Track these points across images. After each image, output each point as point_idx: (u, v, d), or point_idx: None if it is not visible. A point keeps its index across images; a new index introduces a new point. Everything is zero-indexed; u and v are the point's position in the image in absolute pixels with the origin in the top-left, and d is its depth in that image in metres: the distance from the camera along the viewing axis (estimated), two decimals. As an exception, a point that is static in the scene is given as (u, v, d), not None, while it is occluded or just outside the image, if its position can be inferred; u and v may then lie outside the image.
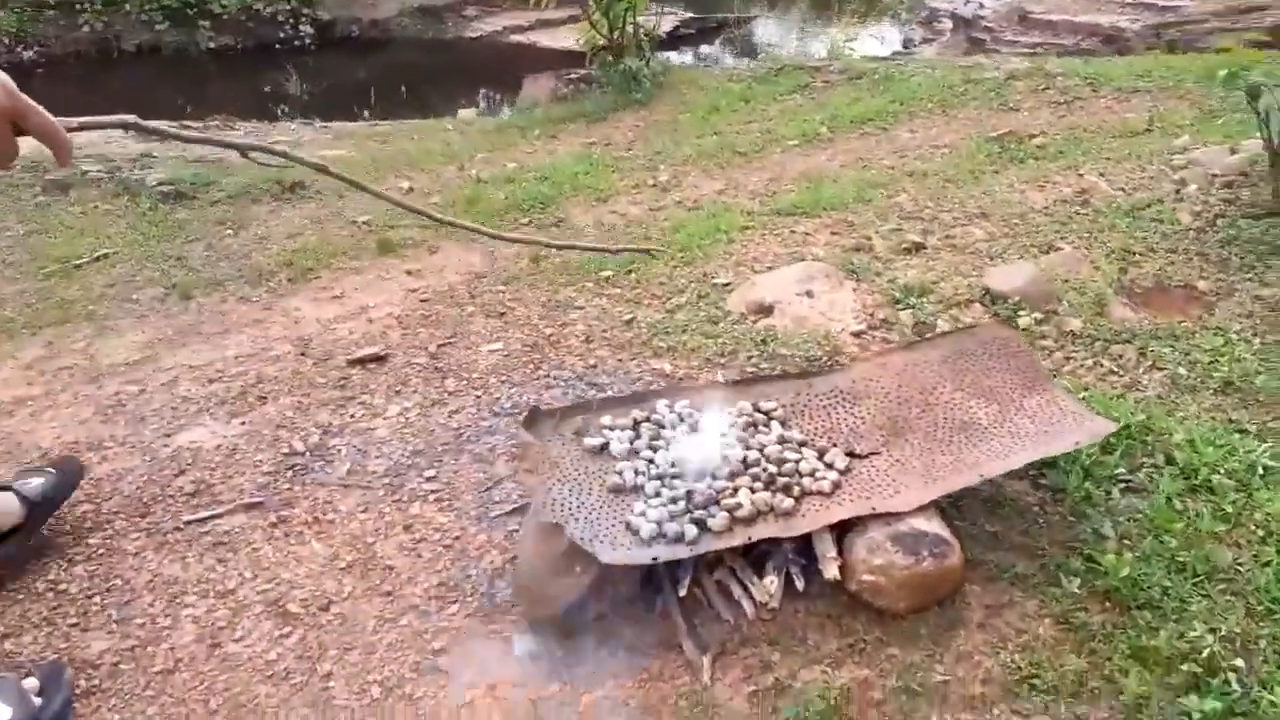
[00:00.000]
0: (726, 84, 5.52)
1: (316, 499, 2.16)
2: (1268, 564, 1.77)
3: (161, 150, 4.58)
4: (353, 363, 2.69)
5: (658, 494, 1.83)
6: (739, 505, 1.76)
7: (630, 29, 5.57)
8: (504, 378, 2.58)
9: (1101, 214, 3.19)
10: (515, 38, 12.31)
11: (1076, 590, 1.72)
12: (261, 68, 10.00)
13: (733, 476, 1.83)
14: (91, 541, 2.06)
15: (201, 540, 2.05)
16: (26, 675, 1.63)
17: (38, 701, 1.57)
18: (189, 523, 2.10)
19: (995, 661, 1.64)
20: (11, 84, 1.12)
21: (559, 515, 1.76)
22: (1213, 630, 1.63)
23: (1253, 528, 1.86)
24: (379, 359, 2.71)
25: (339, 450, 2.33)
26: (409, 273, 3.28)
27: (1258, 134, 3.57)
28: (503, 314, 2.93)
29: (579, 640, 1.73)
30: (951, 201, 3.51)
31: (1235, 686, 1.54)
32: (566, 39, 11.84)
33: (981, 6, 10.55)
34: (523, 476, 2.11)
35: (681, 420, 1.99)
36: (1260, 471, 1.98)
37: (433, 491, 2.16)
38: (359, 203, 3.87)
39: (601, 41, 5.66)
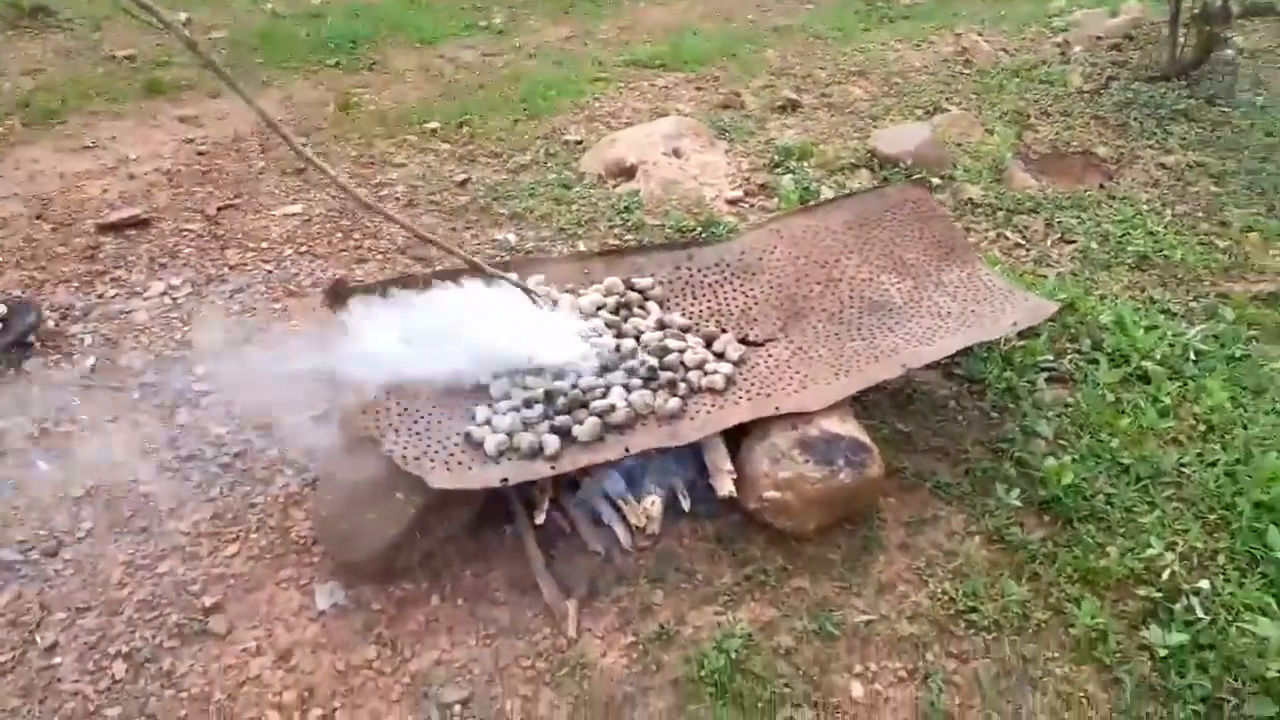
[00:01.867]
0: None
1: (47, 403, 1.63)
2: (1213, 464, 1.53)
3: None
4: (105, 228, 2.11)
5: (507, 395, 1.41)
6: (612, 408, 1.36)
7: None
8: (303, 248, 2.07)
9: (987, 74, 2.91)
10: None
11: (1013, 502, 1.43)
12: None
13: (603, 372, 1.42)
14: None
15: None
16: None
17: None
18: None
19: (924, 593, 1.34)
20: None
21: (375, 425, 1.32)
22: (1170, 547, 1.38)
23: (1193, 421, 1.62)
24: (140, 224, 2.14)
25: (81, 340, 1.78)
26: (183, 120, 2.65)
27: (1135, -2, 3.37)
28: (302, 170, 2.39)
29: (403, 587, 1.32)
30: (824, 59, 3.14)
31: (1201, 614, 1.29)
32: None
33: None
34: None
35: (535, 300, 1.56)
36: (1193, 357, 1.74)
37: (205, 393, 1.66)
38: (121, 34, 3.14)
39: None
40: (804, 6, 3.71)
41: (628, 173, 2.30)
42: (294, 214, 2.19)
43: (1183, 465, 1.53)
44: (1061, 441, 1.56)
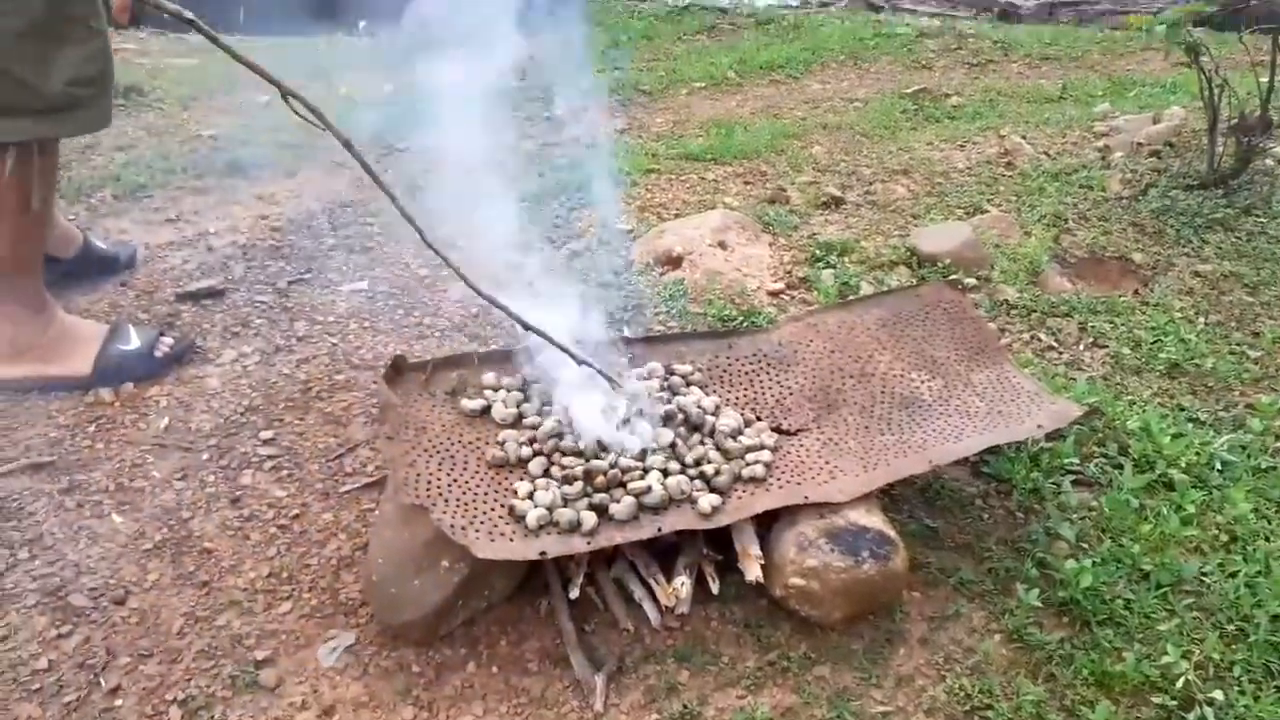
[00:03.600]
0: (628, 20, 5.13)
1: (123, 460, 1.75)
2: (1234, 574, 1.56)
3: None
4: (184, 297, 2.26)
5: (547, 472, 1.50)
6: (648, 489, 1.44)
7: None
8: (366, 323, 2.20)
9: (1028, 177, 2.99)
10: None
11: (1033, 601, 1.48)
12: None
13: (643, 454, 1.51)
14: None
15: (-31, 510, 1.62)
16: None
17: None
18: (-49, 485, 1.66)
19: (941, 688, 1.38)
20: None
21: (425, 495, 1.41)
22: (1186, 656, 1.41)
23: (1216, 531, 1.66)
24: (215, 294, 2.28)
25: (157, 401, 1.90)
26: (260, 197, 2.82)
27: (1176, 106, 3.46)
28: (369, 249, 2.53)
29: (442, 652, 1.40)
30: (869, 156, 3.25)
31: (1214, 718, 1.32)
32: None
33: (882, -31, 10.42)
34: (382, 444, 1.73)
35: (580, 383, 1.65)
36: (1219, 466, 1.78)
37: (269, 457, 1.77)
38: (206, 114, 3.36)
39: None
40: (852, 105, 3.84)
41: (675, 262, 2.41)
42: (359, 290, 2.32)
43: (1203, 574, 1.56)
44: (1083, 544, 1.61)
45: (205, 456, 1.77)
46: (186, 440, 1.81)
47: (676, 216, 2.70)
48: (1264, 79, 2.71)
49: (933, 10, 9.27)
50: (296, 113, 1.45)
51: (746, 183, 3.00)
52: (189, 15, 1.39)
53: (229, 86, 3.68)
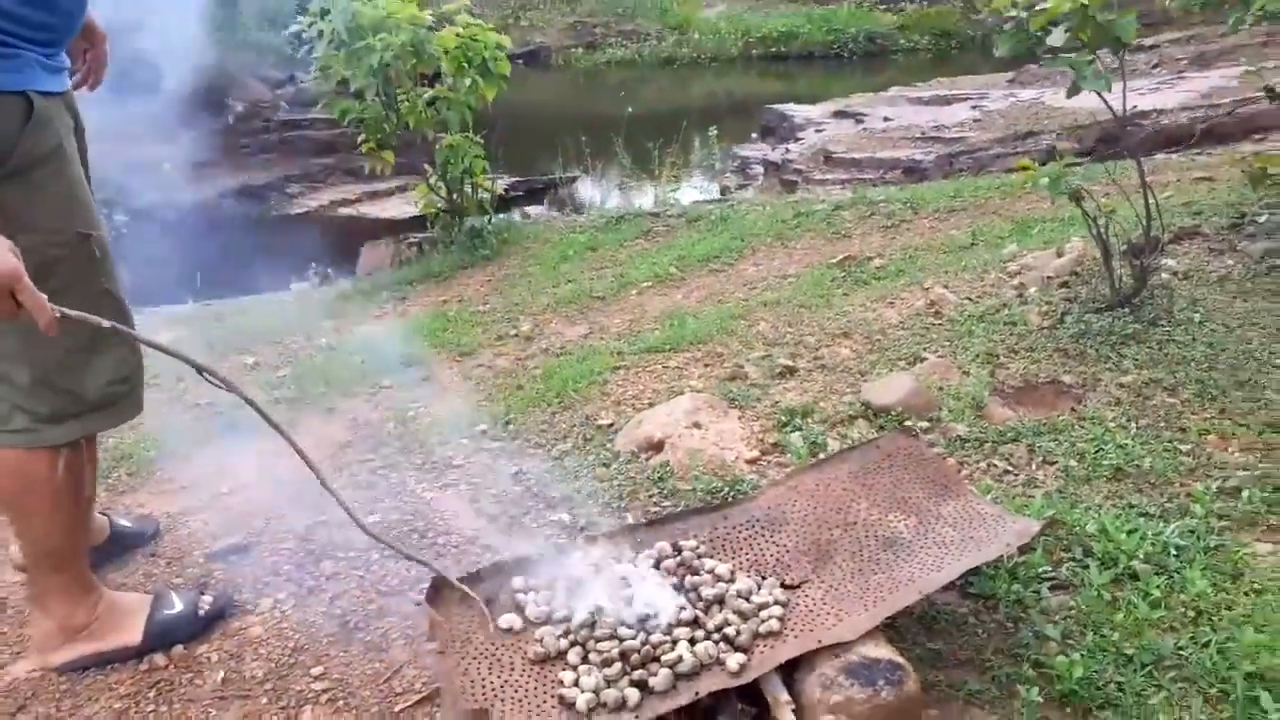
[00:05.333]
0: (570, 235, 5.57)
1: (188, 718, 1.87)
2: (1206, 645, 1.75)
3: None
4: (212, 557, 2.42)
5: (585, 659, 1.66)
6: (680, 659, 1.61)
7: (469, 190, 5.58)
8: (387, 552, 2.36)
9: (956, 322, 3.31)
10: (343, 211, 12.24)
11: (1034, 696, 1.64)
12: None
13: (669, 628, 1.68)
14: (-95, 813, 1.69)
15: (50, 789, 1.72)
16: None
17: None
18: (32, 770, 1.76)
19: (973, 792, 1.53)
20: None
21: (482, 698, 1.56)
22: (1175, 718, 1.58)
23: (1182, 609, 1.85)
24: (241, 549, 2.45)
25: (208, 658, 2.04)
26: (263, 453, 3.02)
27: (1075, 238, 3.85)
28: (374, 483, 2.73)
29: (519, 842, 1.52)
30: (810, 325, 3.57)
31: (1215, 779, 1.48)
32: (394, 209, 11.88)
33: (788, 151, 11.27)
34: (435, 659, 1.88)
35: (599, 572, 1.84)
36: (1174, 552, 1.99)
37: (324, 691, 1.91)
38: (202, 389, 3.60)
39: (441, 204, 5.64)
40: (786, 281, 4.20)
41: (656, 447, 2.64)
42: (373, 522, 2.51)
43: (1179, 649, 1.75)
44: (1070, 641, 1.79)
45: (264, 700, 1.90)
46: (244, 689, 1.94)
47: (649, 405, 2.95)
48: (1142, 202, 3.08)
49: (841, 178, 10.03)
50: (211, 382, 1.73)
51: (706, 365, 3.29)
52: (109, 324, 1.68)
53: (215, 353, 3.96)
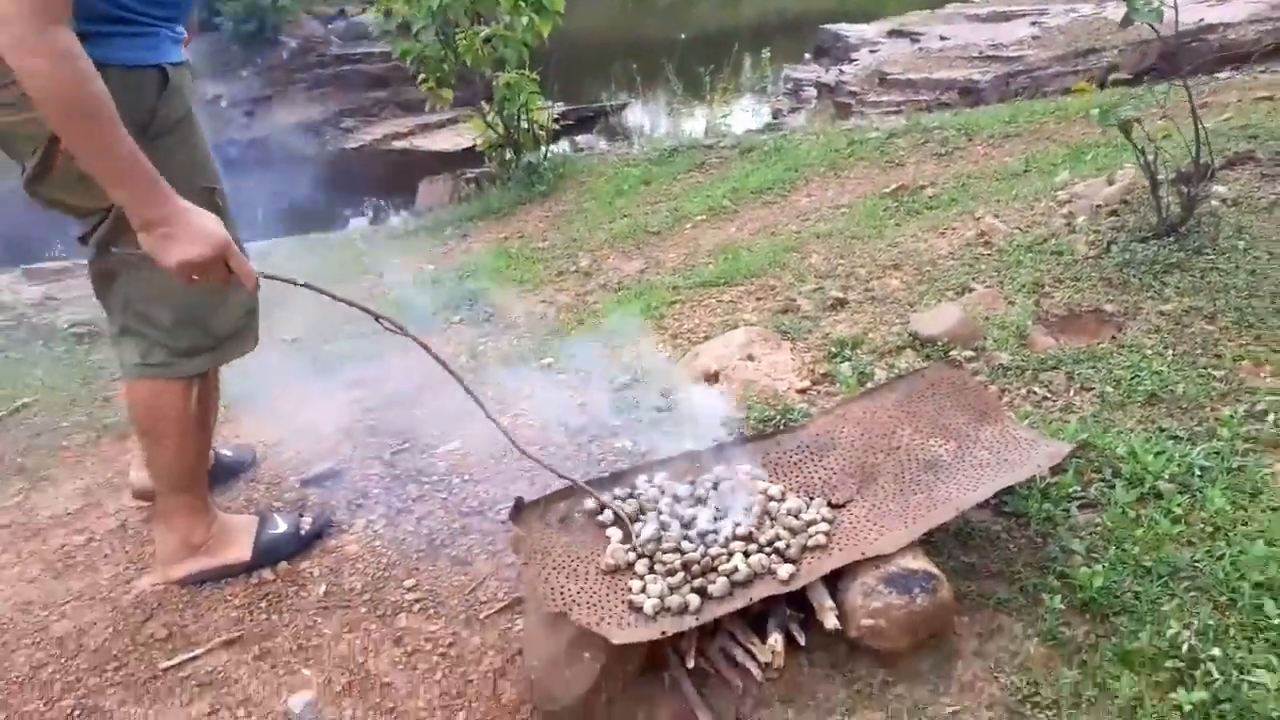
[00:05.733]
0: (625, 168, 5.69)
1: (297, 625, 2.12)
2: (1220, 558, 1.89)
3: (62, 292, 4.47)
4: (306, 482, 2.66)
5: (651, 569, 1.86)
6: (735, 569, 1.80)
7: (525, 126, 5.71)
8: (466, 476, 2.59)
9: (1005, 252, 3.40)
10: (396, 144, 12.46)
11: (1057, 604, 1.81)
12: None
13: (726, 541, 1.87)
14: (64, 704, 1.97)
15: (185, 685, 1.98)
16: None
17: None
18: (167, 669, 2.02)
19: (996, 686, 1.71)
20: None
21: (562, 603, 1.77)
22: (1187, 626, 1.73)
23: (1201, 525, 1.99)
24: (333, 475, 2.68)
25: (310, 573, 2.29)
26: (349, 385, 3.26)
27: (1127, 164, 3.88)
28: (452, 415, 2.94)
29: (595, 727, 1.74)
30: (862, 256, 3.68)
31: (1216, 675, 1.64)
32: (445, 141, 12.05)
33: (842, 73, 11.16)
34: (520, 569, 2.10)
35: (662, 493, 2.04)
36: (1197, 472, 2.12)
37: (416, 601, 2.14)
38: (286, 321, 3.84)
39: (498, 140, 5.79)
40: (839, 212, 4.29)
41: (712, 378, 2.82)
42: (454, 449, 2.73)
43: (1195, 562, 1.89)
44: (1093, 554, 1.94)
45: (363, 610, 2.14)
46: (344, 600, 2.18)
47: (705, 339, 3.11)
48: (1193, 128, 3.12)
49: (896, 100, 9.93)
50: (389, 329, 1.92)
51: (759, 299, 3.43)
52: (302, 281, 1.89)
53: (297, 294, 4.18)
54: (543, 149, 5.85)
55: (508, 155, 5.75)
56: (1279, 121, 4.26)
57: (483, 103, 5.71)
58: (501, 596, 2.11)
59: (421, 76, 5.61)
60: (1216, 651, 1.67)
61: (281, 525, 2.37)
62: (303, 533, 2.37)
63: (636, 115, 11.65)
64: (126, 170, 1.64)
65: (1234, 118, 4.56)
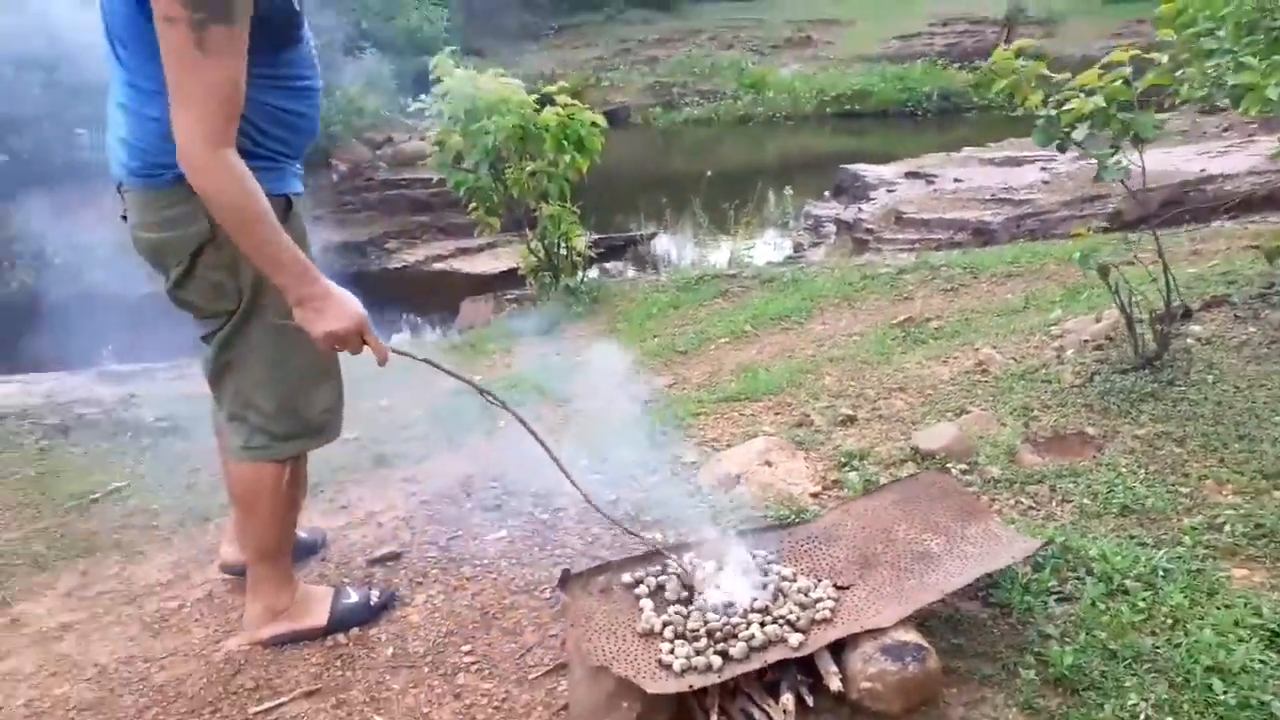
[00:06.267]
0: (654, 294, 6.15)
1: (369, 681, 2.42)
2: (1178, 645, 2.18)
3: (140, 390, 4.89)
4: (372, 562, 2.99)
5: (680, 636, 2.17)
6: (753, 636, 2.11)
7: (565, 253, 6.21)
8: (513, 560, 2.91)
9: (1000, 380, 3.76)
10: (437, 265, 13.08)
11: (1033, 678, 2.10)
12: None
13: (745, 614, 2.19)
14: (168, 739, 2.27)
15: (272, 727, 2.28)
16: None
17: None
18: (256, 713, 2.33)
19: (979, 745, 1.99)
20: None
21: (604, 659, 2.08)
22: (1145, 699, 2.02)
23: (1162, 618, 2.29)
24: (395, 556, 3.01)
25: (379, 638, 2.59)
26: (405, 479, 3.62)
27: (1114, 304, 4.28)
28: (499, 506, 3.28)
29: (630, 770, 2.02)
30: (871, 379, 4.06)
31: (1169, 741, 1.92)
32: (484, 264, 12.67)
33: (860, 210, 11.76)
34: (567, 630, 2.40)
35: (690, 570, 2.36)
36: (1161, 573, 2.43)
37: (473, 663, 2.44)
38: (354, 421, 4.22)
39: (540, 264, 6.28)
40: (851, 339, 4.69)
41: (734, 481, 3.15)
42: (501, 537, 3.06)
43: (1155, 648, 2.18)
44: (1066, 639, 2.24)
45: (426, 670, 2.44)
46: (409, 661, 2.49)
47: (727, 446, 3.46)
48: (1171, 272, 3.51)
49: (911, 238, 10.47)
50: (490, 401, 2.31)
51: (777, 413, 3.79)
52: (422, 357, 2.28)
53: (355, 396, 4.58)
54: (580, 274, 6.34)
55: (547, 279, 6.24)
56: (1257, 269, 4.65)
57: (526, 230, 6.24)
58: (548, 662, 2.41)
59: (472, 205, 6.15)
60: (1170, 718, 1.96)
61: (354, 596, 2.69)
62: (372, 604, 2.69)
63: (664, 245, 12.24)
64: (288, 259, 2.07)
65: (1219, 263, 4.98)
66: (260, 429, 2.40)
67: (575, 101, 6.04)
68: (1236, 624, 2.22)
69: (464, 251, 12.90)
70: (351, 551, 3.08)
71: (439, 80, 5.89)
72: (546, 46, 27.83)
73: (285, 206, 2.30)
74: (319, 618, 2.62)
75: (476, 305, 7.30)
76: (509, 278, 9.42)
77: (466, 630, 2.59)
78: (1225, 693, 2.02)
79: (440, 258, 12.96)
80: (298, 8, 2.18)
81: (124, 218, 2.32)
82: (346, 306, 2.14)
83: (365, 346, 2.16)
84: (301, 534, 3.09)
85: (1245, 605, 2.29)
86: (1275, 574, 2.45)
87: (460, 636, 2.56)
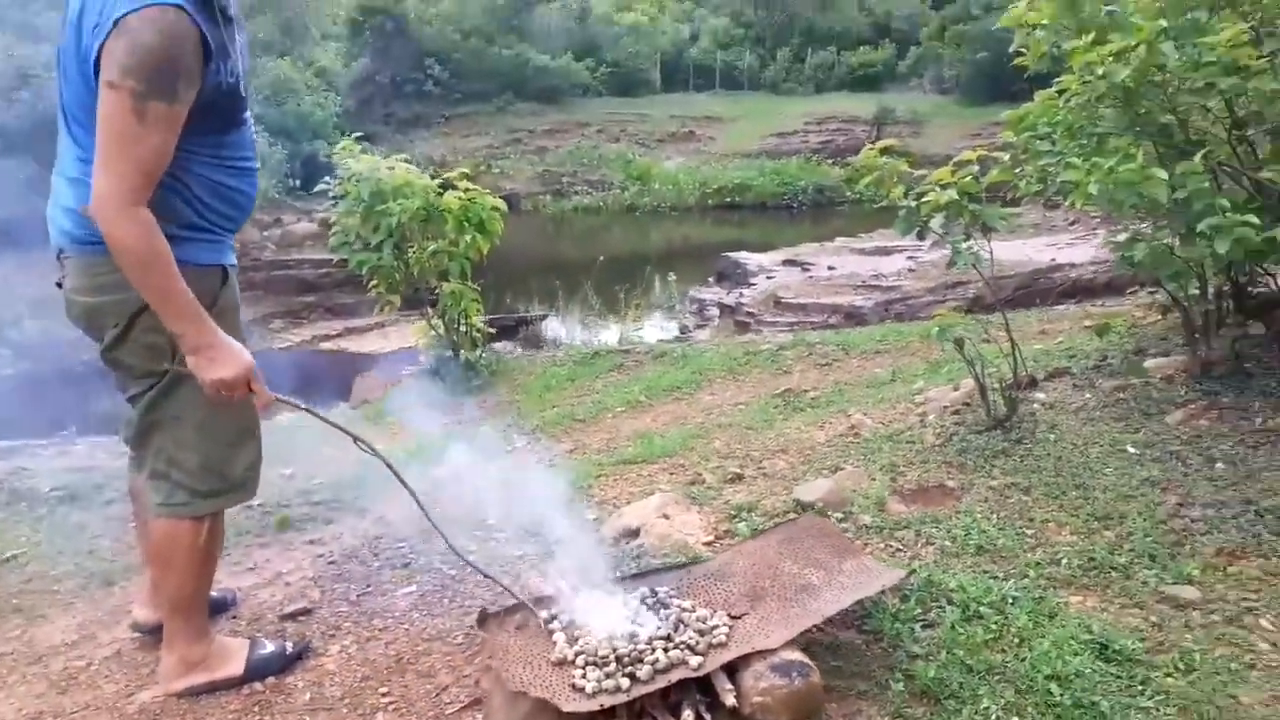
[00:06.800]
0: (552, 368, 6.40)
1: (286, 731, 2.53)
2: (1023, 660, 2.50)
3: (29, 463, 4.83)
4: (284, 618, 3.08)
5: (591, 663, 2.37)
6: (657, 660, 2.33)
7: (463, 329, 6.42)
8: (424, 611, 3.06)
9: (869, 441, 4.13)
10: (324, 345, 13.04)
11: (902, 690, 2.38)
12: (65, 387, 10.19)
13: (649, 640, 2.41)
14: (89, 784, 2.33)
15: (196, 769, 2.37)
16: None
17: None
18: (176, 759, 2.41)
19: (856, 749, 2.25)
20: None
21: (521, 685, 2.27)
22: (995, 703, 2.32)
23: (1010, 637, 2.61)
24: (306, 612, 3.11)
25: (296, 685, 2.70)
26: (311, 542, 3.72)
27: (969, 376, 4.73)
28: (407, 564, 3.42)
29: (546, 786, 2.20)
30: (756, 443, 4.37)
31: (1017, 738, 2.22)
32: (372, 344, 12.70)
33: (741, 295, 12.33)
34: (488, 660, 2.55)
35: (545, 625, 2.57)
36: (1010, 600, 2.76)
37: (390, 703, 2.58)
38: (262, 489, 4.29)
39: (438, 340, 6.47)
40: (737, 408, 5.03)
41: (633, 533, 3.38)
42: (410, 592, 3.20)
43: (1005, 662, 2.49)
44: (930, 657, 2.53)
45: (345, 711, 2.56)
46: (327, 704, 2.60)
47: (627, 503, 3.70)
48: (1019, 347, 3.97)
49: (789, 320, 11.03)
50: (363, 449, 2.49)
51: (671, 474, 4.06)
52: (304, 405, 2.46)
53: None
54: (479, 349, 6.55)
55: (447, 354, 6.42)
56: (1094, 345, 5.21)
57: (427, 308, 6.43)
58: (463, 699, 2.56)
59: (374, 283, 6.32)
60: (1015, 718, 2.26)
61: (269, 646, 2.79)
62: (287, 653, 2.80)
63: (555, 326, 12.53)
64: (186, 308, 2.22)
65: (1063, 341, 5.54)
66: (182, 485, 2.52)
67: (475, 186, 6.33)
68: (1072, 640, 2.56)
69: (352, 331, 12.93)
70: (262, 609, 3.17)
71: (337, 164, 6.12)
72: (437, 134, 28.25)
73: (222, 277, 2.48)
74: (235, 667, 2.71)
75: (368, 380, 7.40)
76: (397, 357, 9.54)
77: (382, 675, 2.72)
78: (1062, 695, 2.34)
79: (328, 336, 12.95)
80: (243, 94, 2.41)
81: (58, 285, 2.46)
82: (237, 356, 2.28)
83: (251, 394, 2.32)
84: (213, 593, 3.17)
85: (1079, 625, 2.63)
86: (1105, 599, 2.81)
87: (376, 680, 2.69)
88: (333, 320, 13.62)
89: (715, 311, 12.53)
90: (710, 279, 14.00)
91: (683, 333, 11.79)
